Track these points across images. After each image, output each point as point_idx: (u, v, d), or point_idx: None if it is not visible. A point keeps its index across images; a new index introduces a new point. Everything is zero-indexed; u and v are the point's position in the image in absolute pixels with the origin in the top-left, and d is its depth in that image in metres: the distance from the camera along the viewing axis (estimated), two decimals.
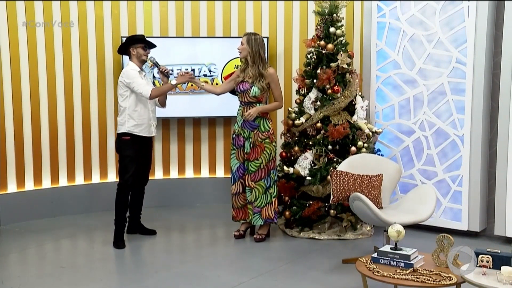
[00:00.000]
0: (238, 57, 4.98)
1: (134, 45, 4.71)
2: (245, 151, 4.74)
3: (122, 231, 4.75)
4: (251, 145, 4.71)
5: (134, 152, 4.71)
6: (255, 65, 4.68)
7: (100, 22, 5.79)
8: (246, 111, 4.70)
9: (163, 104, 4.97)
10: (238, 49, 4.73)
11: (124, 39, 5.70)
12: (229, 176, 4.96)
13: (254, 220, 4.78)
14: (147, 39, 4.79)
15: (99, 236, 5.08)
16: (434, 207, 4.18)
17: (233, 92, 4.95)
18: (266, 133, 4.73)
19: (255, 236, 4.86)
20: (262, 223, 4.81)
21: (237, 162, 4.81)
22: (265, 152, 4.70)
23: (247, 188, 4.78)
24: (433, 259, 3.29)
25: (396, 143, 5.25)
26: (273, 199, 4.77)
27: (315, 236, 4.92)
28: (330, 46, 4.94)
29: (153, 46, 4.82)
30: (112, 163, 5.92)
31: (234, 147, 4.82)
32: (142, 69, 4.79)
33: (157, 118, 4.91)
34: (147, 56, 4.76)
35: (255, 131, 4.71)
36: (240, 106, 4.81)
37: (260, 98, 4.72)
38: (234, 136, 4.84)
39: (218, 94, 4.98)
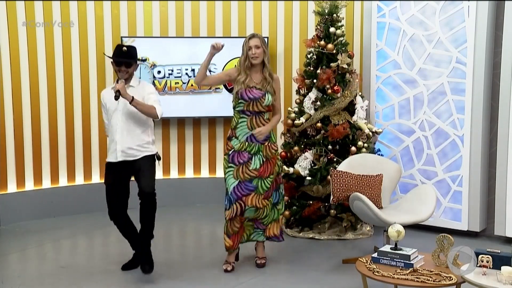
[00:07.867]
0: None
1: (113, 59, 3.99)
2: (254, 167, 4.00)
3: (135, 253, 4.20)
4: (264, 159, 4.03)
5: (109, 179, 4.02)
6: (267, 67, 4.04)
7: (100, 22, 5.79)
8: (255, 122, 3.99)
9: (149, 116, 3.94)
10: (255, 54, 3.96)
11: (124, 40, 5.74)
12: None
13: (256, 235, 4.22)
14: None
15: (99, 236, 5.08)
16: (434, 207, 4.18)
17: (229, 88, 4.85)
18: (276, 144, 4.15)
19: (257, 262, 4.24)
20: (264, 240, 4.26)
21: (235, 181, 3.98)
22: (276, 165, 4.13)
23: (251, 208, 4.02)
24: (433, 259, 3.28)
25: (396, 143, 5.25)
26: (280, 217, 4.24)
27: (315, 236, 4.92)
28: (330, 46, 4.94)
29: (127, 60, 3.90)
30: None
31: (232, 164, 4.01)
32: (123, 80, 3.88)
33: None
34: (119, 72, 3.91)
35: (266, 143, 4.04)
36: (243, 116, 4.00)
37: (271, 107, 4.07)
38: (231, 153, 4.03)
39: (197, 83, 4.03)
